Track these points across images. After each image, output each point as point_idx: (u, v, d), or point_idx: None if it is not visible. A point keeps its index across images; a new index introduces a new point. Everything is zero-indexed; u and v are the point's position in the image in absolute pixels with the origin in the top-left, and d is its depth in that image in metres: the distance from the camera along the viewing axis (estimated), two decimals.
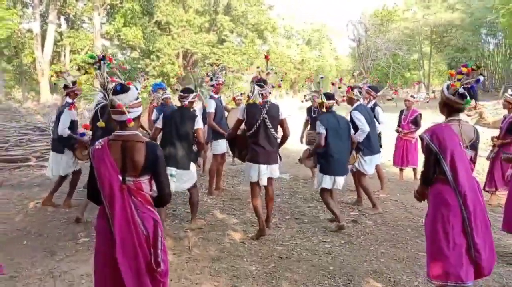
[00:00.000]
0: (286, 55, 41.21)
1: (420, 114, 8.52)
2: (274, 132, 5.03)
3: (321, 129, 5.26)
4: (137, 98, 2.70)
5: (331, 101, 5.43)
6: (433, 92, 39.10)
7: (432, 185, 3.22)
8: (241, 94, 9.85)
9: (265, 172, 5.01)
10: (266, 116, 4.95)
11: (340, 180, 5.41)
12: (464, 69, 3.09)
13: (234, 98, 9.67)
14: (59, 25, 29.81)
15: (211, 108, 6.71)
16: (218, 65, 7.56)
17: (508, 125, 6.49)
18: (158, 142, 4.89)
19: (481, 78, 3.15)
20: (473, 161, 3.25)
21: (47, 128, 10.45)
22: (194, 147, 5.21)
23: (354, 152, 5.93)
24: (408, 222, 5.84)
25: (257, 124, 4.94)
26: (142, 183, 2.65)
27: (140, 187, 2.63)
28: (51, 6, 26.56)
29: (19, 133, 10.12)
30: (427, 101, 6.80)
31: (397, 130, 8.64)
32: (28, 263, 4.36)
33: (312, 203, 6.62)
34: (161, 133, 5.15)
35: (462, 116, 3.31)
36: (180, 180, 5.05)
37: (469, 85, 3.08)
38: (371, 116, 6.34)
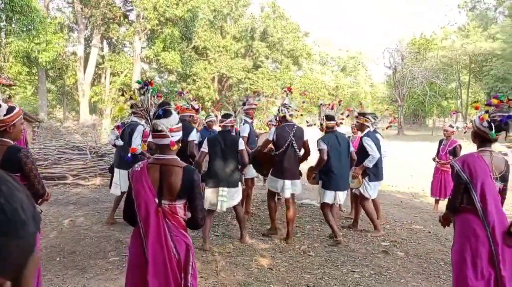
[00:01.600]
0: (321, 81, 41.31)
1: (460, 145, 8.25)
2: (298, 152, 5.71)
3: (323, 146, 5.65)
4: (178, 123, 2.75)
5: (332, 122, 5.81)
6: (471, 122, 38.11)
7: (460, 213, 3.21)
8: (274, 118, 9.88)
9: (289, 187, 5.71)
10: (293, 138, 5.65)
11: (341, 195, 5.81)
12: (494, 101, 3.12)
13: (267, 123, 9.70)
14: (102, 49, 31.06)
15: (245, 132, 6.77)
16: (254, 93, 7.76)
17: None
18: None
19: None
20: (502, 192, 3.24)
21: (85, 147, 10.77)
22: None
23: (360, 177, 6.23)
24: (442, 255, 5.64)
25: (286, 145, 5.62)
26: (177, 207, 2.67)
27: (175, 210, 2.65)
28: (95, 31, 27.77)
29: (58, 151, 10.47)
30: (465, 132, 6.63)
31: (434, 159, 8.41)
32: (60, 279, 4.45)
33: (342, 231, 6.50)
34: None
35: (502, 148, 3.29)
36: (230, 198, 5.42)
37: (500, 118, 3.08)
38: (379, 143, 6.41)
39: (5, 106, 3.08)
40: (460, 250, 3.12)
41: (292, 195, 5.83)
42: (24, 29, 21.74)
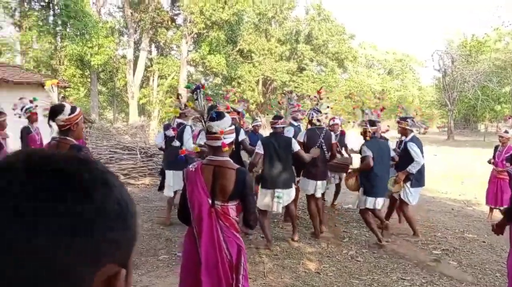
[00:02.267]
0: (366, 85, 40.60)
1: None
2: (327, 154, 6.04)
3: (368, 152, 5.71)
4: (231, 125, 2.82)
5: (374, 127, 5.87)
6: None
7: None
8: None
9: (320, 186, 6.09)
10: (322, 140, 5.95)
11: (380, 201, 5.94)
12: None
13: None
14: (150, 52, 31.93)
15: (290, 134, 6.76)
16: (291, 93, 7.69)
17: None
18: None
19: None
20: None
21: (134, 148, 11.08)
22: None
23: (401, 182, 6.17)
24: (497, 266, 5.40)
25: (316, 147, 5.89)
26: (230, 208, 2.71)
27: (227, 211, 2.69)
28: (144, 35, 28.57)
29: (110, 151, 10.83)
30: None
31: (489, 162, 7.99)
32: None
33: (391, 238, 6.36)
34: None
35: None
36: (286, 199, 5.55)
37: None
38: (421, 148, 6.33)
39: (68, 106, 3.25)
40: None
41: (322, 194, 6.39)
42: (78, 33, 22.70)
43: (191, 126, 6.27)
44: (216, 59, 27.93)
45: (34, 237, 0.46)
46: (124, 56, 29.99)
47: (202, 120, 2.83)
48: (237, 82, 32.67)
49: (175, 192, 6.21)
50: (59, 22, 22.84)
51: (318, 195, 6.13)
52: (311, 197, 6.12)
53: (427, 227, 7.10)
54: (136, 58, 28.97)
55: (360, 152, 5.96)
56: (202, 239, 2.62)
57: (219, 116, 2.77)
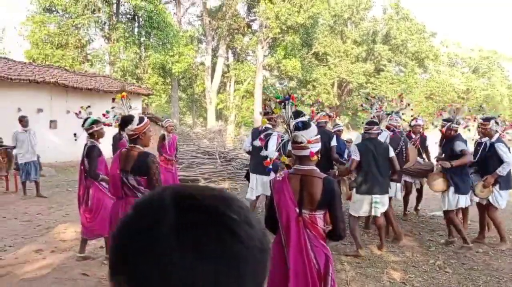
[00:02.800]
0: (449, 84, 38.49)
1: None
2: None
3: (464, 146, 5.77)
4: (317, 134, 2.80)
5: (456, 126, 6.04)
6: None
7: None
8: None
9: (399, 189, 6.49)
10: (403, 144, 6.26)
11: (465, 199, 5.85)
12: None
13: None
14: (227, 58, 32.80)
15: (382, 140, 6.59)
16: (374, 97, 7.49)
17: None
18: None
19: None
20: None
21: (214, 152, 11.43)
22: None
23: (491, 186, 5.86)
24: None
25: (397, 151, 6.04)
26: (317, 217, 2.70)
27: (315, 220, 2.69)
28: (221, 42, 29.43)
29: (191, 156, 11.27)
30: None
31: None
32: None
33: (482, 248, 5.99)
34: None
35: None
36: (383, 204, 5.50)
37: None
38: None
39: (137, 117, 3.58)
40: None
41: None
42: (160, 43, 23.93)
43: (279, 134, 6.27)
44: (291, 63, 28.04)
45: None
46: (202, 63, 31.08)
47: (289, 130, 2.83)
48: (312, 85, 32.53)
49: (258, 196, 6.31)
50: (143, 33, 24.23)
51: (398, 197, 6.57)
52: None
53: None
54: (213, 65, 29.90)
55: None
56: (290, 247, 2.63)
57: (305, 125, 2.77)
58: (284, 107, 3.02)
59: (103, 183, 4.96)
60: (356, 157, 5.44)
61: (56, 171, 12.30)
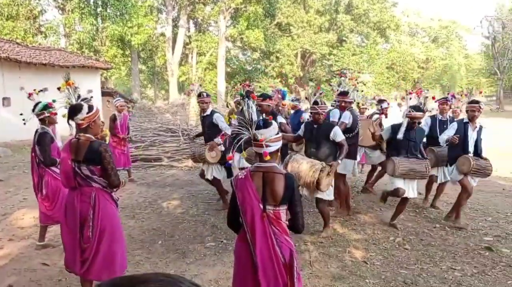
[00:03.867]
0: (409, 54, 39.13)
1: None
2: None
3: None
4: (278, 133, 2.85)
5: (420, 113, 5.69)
6: None
7: None
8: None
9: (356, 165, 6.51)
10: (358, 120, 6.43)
11: None
12: None
13: (359, 106, 9.07)
14: (188, 29, 31.99)
15: (346, 119, 6.25)
16: (341, 73, 7.44)
17: None
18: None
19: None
20: None
21: (177, 130, 11.24)
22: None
23: None
24: None
25: (357, 128, 6.25)
26: (281, 212, 2.75)
27: (279, 216, 2.74)
28: (182, 11, 28.61)
29: (153, 134, 11.04)
30: None
31: None
32: (163, 263, 4.72)
33: (439, 223, 6.19)
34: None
35: None
36: None
37: None
38: None
39: (86, 106, 3.49)
40: None
41: None
42: (118, 13, 23.01)
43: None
44: (254, 34, 27.69)
45: None
46: (163, 34, 30.24)
47: (249, 128, 2.85)
48: (276, 56, 32.32)
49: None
50: (100, 3, 23.19)
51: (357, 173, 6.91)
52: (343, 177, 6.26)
53: (477, 210, 6.87)
54: (174, 36, 29.14)
55: None
56: (256, 244, 2.67)
57: (266, 124, 2.82)
58: (245, 104, 2.96)
59: (57, 170, 4.78)
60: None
61: (12, 151, 11.81)
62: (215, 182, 6.56)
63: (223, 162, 6.25)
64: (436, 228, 5.98)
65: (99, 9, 23.44)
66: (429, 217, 6.55)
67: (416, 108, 5.69)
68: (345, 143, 5.29)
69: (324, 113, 5.46)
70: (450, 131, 5.95)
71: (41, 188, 4.90)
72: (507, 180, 9.16)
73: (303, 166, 5.02)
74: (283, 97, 8.05)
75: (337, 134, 5.28)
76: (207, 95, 6.59)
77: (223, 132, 6.22)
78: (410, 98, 5.92)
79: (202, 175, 6.70)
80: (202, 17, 30.32)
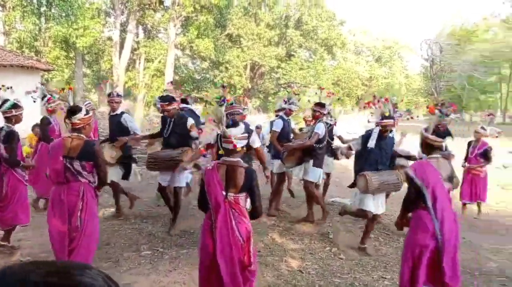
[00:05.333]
0: (354, 71, 40.56)
1: (490, 147, 7.97)
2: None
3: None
4: (244, 132, 3.39)
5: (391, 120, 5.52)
6: (511, 118, 36.84)
7: (414, 211, 3.72)
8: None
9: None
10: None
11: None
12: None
13: (305, 119, 9.28)
14: (137, 35, 31.39)
15: (278, 127, 6.89)
16: (292, 87, 7.77)
17: None
18: None
19: (453, 116, 3.98)
20: (450, 191, 3.75)
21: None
22: None
23: None
24: (475, 264, 5.47)
25: (326, 139, 6.55)
26: (240, 199, 3.32)
27: (238, 201, 3.31)
28: (131, 16, 28.05)
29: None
30: (496, 137, 6.31)
31: (463, 166, 8.15)
32: None
33: (373, 233, 6.39)
34: None
35: None
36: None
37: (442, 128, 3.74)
38: None
39: (85, 109, 3.94)
40: (410, 241, 3.66)
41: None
42: (63, 14, 22.20)
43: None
44: (204, 43, 27.63)
45: None
46: (110, 38, 29.45)
47: (220, 126, 3.42)
48: (225, 67, 32.40)
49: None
50: (44, 2, 22.28)
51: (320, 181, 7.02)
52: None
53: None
54: (122, 41, 28.47)
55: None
56: (218, 223, 3.19)
57: (234, 124, 3.39)
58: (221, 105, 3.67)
59: (19, 170, 4.91)
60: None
61: None
62: (114, 185, 6.37)
63: (123, 162, 6.25)
64: (370, 239, 6.17)
65: (43, 9, 22.47)
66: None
67: (387, 115, 5.50)
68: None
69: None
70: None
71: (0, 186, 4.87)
72: None
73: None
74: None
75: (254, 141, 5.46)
76: (118, 95, 6.62)
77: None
78: (380, 107, 5.64)
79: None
80: (152, 24, 29.89)
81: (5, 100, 4.93)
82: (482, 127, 8.10)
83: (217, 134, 3.42)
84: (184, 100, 7.50)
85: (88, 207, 3.87)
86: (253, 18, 34.69)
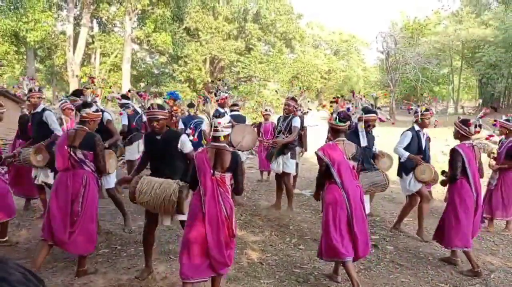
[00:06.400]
0: (313, 65, 41.00)
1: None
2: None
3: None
4: (229, 121, 3.91)
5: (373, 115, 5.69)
6: (462, 108, 38.38)
7: (326, 187, 4.37)
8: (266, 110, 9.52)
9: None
10: None
11: None
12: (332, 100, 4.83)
13: (262, 113, 9.42)
14: (92, 28, 30.49)
15: (297, 123, 6.83)
16: (219, 80, 7.76)
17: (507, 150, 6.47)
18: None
19: (350, 106, 4.95)
20: (355, 168, 4.39)
21: None
22: None
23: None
24: (430, 250, 5.68)
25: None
26: (226, 177, 3.76)
27: (224, 180, 3.75)
28: (84, 10, 27.20)
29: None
30: (435, 126, 6.46)
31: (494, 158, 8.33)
32: (49, 272, 4.41)
33: None
34: None
35: None
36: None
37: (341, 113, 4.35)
38: None
39: (95, 107, 4.51)
40: (326, 214, 4.30)
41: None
42: (12, 7, 21.27)
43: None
44: (161, 37, 27.18)
45: None
46: (63, 33, 28.47)
47: (209, 118, 3.90)
48: (184, 61, 31.97)
49: None
50: None
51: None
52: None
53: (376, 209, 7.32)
54: (76, 35, 27.59)
55: None
56: (206, 197, 3.66)
57: (220, 115, 3.84)
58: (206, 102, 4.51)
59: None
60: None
61: None
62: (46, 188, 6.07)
63: (52, 166, 5.53)
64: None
65: None
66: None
67: (368, 110, 5.51)
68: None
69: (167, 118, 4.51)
70: (405, 141, 6.00)
71: None
72: (394, 183, 9.89)
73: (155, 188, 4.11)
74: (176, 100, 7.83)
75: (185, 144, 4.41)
76: (39, 90, 6.20)
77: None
78: (361, 98, 5.74)
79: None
80: (106, 17, 29.10)
81: None
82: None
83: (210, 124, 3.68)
84: (124, 96, 7.29)
85: (90, 194, 4.29)
86: (211, 12, 34.34)
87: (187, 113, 7.56)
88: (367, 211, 5.26)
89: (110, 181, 5.77)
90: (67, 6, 27.37)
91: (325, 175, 4.37)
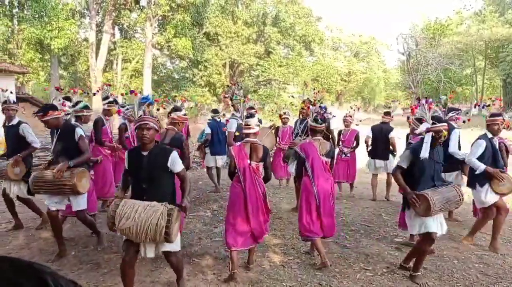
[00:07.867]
0: (333, 67, 40.83)
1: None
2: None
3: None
4: (257, 122, 4.77)
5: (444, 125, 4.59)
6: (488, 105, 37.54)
7: (302, 179, 5.13)
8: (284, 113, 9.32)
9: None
10: None
11: None
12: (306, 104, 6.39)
13: (280, 116, 9.01)
14: (113, 35, 31.00)
15: (232, 127, 6.70)
16: (235, 84, 7.47)
17: None
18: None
19: (324, 106, 5.68)
20: (328, 164, 5.08)
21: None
22: None
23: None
24: (455, 253, 5.58)
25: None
26: (260, 167, 4.63)
27: (258, 168, 4.61)
28: (106, 17, 27.69)
29: None
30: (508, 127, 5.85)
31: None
32: (75, 274, 4.50)
33: (354, 226, 6.47)
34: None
35: None
36: None
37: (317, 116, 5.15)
38: None
39: (183, 110, 5.47)
40: (302, 201, 5.02)
41: None
42: (36, 15, 21.76)
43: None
44: (181, 42, 27.44)
45: None
46: (86, 40, 29.04)
47: (241, 118, 4.82)
48: (204, 65, 32.24)
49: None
50: (16, 3, 21.84)
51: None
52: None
53: (389, 213, 7.25)
54: (98, 42, 28.11)
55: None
56: (246, 183, 4.52)
57: (251, 115, 4.73)
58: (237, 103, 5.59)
59: None
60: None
61: None
62: (25, 201, 6.00)
63: (27, 179, 5.33)
64: (352, 231, 6.24)
65: (15, 10, 22.03)
66: (345, 221, 6.83)
67: (439, 119, 4.65)
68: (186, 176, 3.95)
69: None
70: (478, 152, 5.55)
71: None
72: None
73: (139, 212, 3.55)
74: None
75: (176, 162, 3.80)
76: (14, 102, 5.95)
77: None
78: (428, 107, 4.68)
79: (4, 194, 6.01)
80: (128, 24, 29.56)
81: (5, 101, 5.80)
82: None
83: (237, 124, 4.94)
84: (67, 98, 6.31)
85: None
86: (231, 16, 34.58)
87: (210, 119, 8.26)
88: (444, 232, 4.75)
89: (81, 202, 5.11)
90: (89, 13, 27.92)
91: (301, 168, 5.23)
